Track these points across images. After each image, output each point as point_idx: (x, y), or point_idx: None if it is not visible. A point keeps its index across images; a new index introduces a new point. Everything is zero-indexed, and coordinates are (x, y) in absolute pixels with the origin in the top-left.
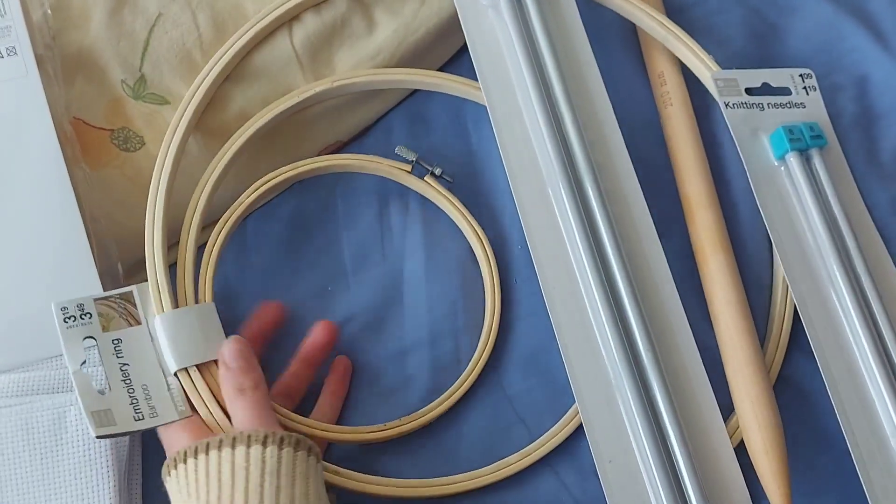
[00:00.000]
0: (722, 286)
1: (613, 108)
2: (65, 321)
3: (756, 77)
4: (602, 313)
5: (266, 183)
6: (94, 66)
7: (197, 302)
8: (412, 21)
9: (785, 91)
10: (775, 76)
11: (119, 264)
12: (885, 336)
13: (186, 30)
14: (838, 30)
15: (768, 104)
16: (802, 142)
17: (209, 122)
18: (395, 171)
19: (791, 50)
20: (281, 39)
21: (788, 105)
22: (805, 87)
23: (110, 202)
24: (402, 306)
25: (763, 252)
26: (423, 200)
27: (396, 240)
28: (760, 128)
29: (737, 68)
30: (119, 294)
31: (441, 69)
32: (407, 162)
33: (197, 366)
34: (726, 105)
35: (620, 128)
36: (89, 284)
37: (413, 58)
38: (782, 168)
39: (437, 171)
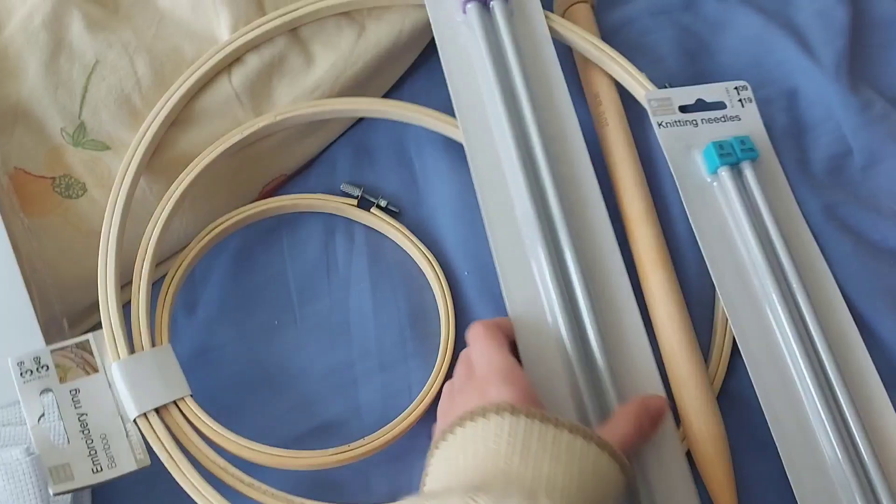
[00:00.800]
0: (662, 301)
1: None
2: (21, 375)
3: (690, 94)
4: (567, 340)
5: (215, 228)
6: (32, 116)
7: (154, 345)
8: (350, 55)
9: (720, 105)
10: (709, 91)
11: (61, 314)
12: (818, 345)
13: (124, 75)
14: (767, 43)
15: (702, 120)
16: (733, 156)
17: (153, 164)
18: (342, 206)
19: (722, 65)
20: (220, 80)
21: (724, 119)
22: (740, 100)
23: (54, 250)
24: (349, 337)
25: (705, 266)
26: (368, 231)
27: (342, 270)
28: (694, 144)
29: (670, 85)
30: (76, 343)
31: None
32: (353, 197)
33: (156, 409)
34: (659, 125)
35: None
36: (31, 337)
37: (353, 90)
38: (715, 183)
39: (383, 203)
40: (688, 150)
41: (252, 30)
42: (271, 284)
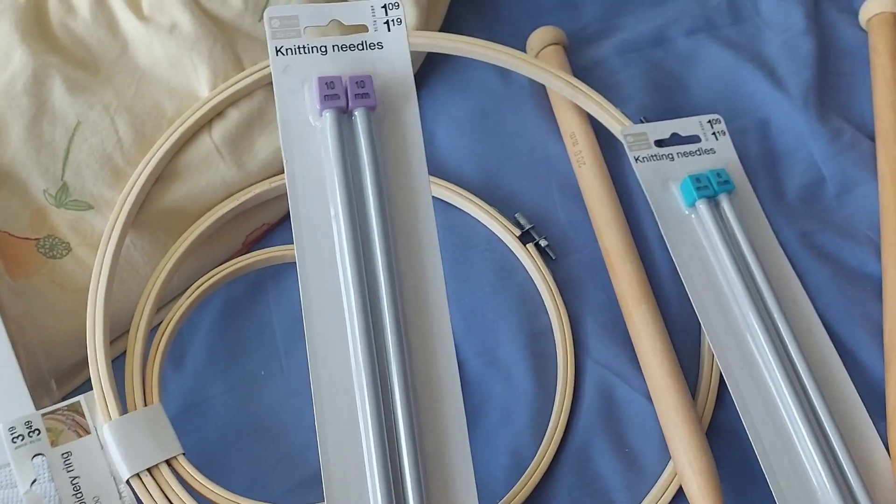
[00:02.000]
0: (647, 336)
1: (534, 168)
2: (13, 441)
3: (664, 129)
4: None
5: (204, 283)
6: (15, 179)
7: (145, 403)
8: None
9: (694, 139)
10: (684, 125)
11: (49, 373)
12: (802, 375)
13: (106, 135)
14: (738, 76)
15: (678, 154)
16: (710, 189)
17: (137, 221)
18: None
19: (695, 99)
20: (201, 135)
21: (699, 152)
22: (714, 133)
23: (39, 310)
24: None
25: (688, 299)
26: None
27: None
28: (671, 178)
29: (645, 119)
30: (67, 406)
31: None
32: None
33: (149, 469)
34: (636, 160)
35: (542, 185)
36: (19, 400)
37: None
38: (693, 216)
39: None
40: (665, 184)
41: (231, 84)
42: (258, 335)
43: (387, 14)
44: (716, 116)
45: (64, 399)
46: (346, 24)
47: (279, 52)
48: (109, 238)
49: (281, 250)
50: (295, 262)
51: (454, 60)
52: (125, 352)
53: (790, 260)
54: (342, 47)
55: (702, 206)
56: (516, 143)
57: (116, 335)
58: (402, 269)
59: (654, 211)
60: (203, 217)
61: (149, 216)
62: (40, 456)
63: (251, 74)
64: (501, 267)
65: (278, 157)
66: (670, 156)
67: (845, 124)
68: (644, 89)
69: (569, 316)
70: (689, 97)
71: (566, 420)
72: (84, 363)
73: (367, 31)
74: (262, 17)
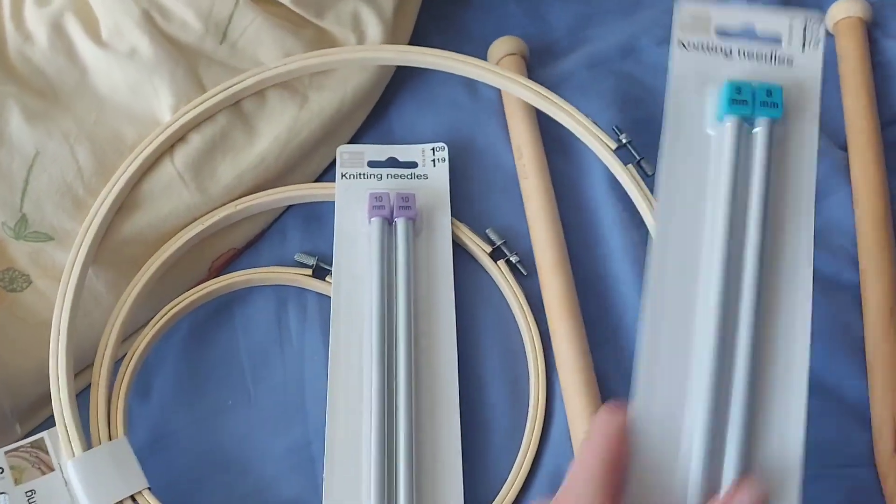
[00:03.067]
0: (566, 353)
1: (504, 184)
2: None
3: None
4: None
5: (169, 311)
6: None
7: (110, 438)
8: (293, 125)
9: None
10: (764, 19)
11: (10, 410)
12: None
13: (66, 165)
14: None
15: (743, 52)
16: (747, 106)
17: (99, 251)
18: (296, 277)
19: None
20: (163, 161)
21: (770, 59)
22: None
23: (0, 345)
24: (304, 413)
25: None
26: (321, 299)
27: (296, 343)
28: (713, 80)
29: (618, 130)
30: (30, 443)
31: (331, 166)
32: (307, 266)
33: None
34: (683, 45)
35: (512, 201)
36: None
37: (299, 160)
38: (714, 137)
39: None
40: (702, 87)
41: (193, 108)
42: (224, 363)
43: (434, 154)
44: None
45: (28, 435)
46: (401, 160)
47: (343, 177)
48: (72, 270)
49: (247, 274)
50: (261, 286)
51: (422, 77)
52: (89, 384)
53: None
54: (394, 175)
55: (729, 126)
56: (486, 158)
57: (80, 368)
58: (420, 351)
59: (665, 119)
60: (167, 243)
61: (111, 246)
62: (3, 495)
63: (212, 97)
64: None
65: (242, 182)
66: (728, 51)
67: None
68: (615, 102)
69: (540, 334)
70: (661, 108)
71: (538, 440)
72: (47, 398)
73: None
74: (223, 40)
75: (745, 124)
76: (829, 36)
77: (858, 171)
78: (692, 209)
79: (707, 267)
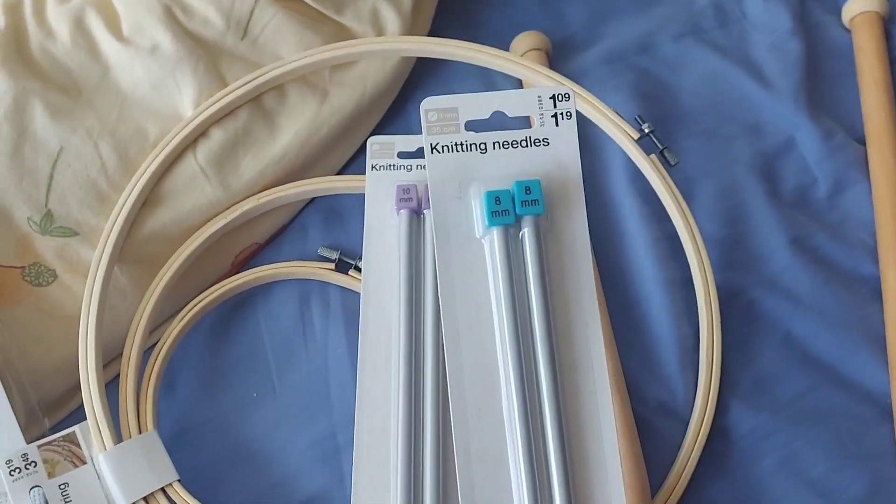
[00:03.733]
0: None
1: None
2: (10, 474)
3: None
4: None
5: (195, 306)
6: None
7: (140, 431)
8: (314, 121)
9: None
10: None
11: (38, 404)
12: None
13: (90, 161)
14: (727, 80)
15: (493, 144)
16: (510, 214)
17: (124, 247)
18: (319, 271)
19: (684, 106)
20: (186, 157)
21: (525, 143)
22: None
23: (27, 339)
24: (329, 405)
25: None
26: (344, 293)
27: (319, 336)
28: (474, 180)
29: (640, 119)
30: (62, 436)
31: (351, 161)
32: (330, 261)
33: (145, 497)
34: (433, 148)
35: None
36: (9, 433)
37: (320, 155)
38: (485, 242)
39: (360, 264)
40: (463, 191)
41: (215, 102)
42: (249, 357)
43: None
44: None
45: (54, 428)
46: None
47: (374, 168)
48: (98, 265)
49: (271, 269)
50: (283, 281)
51: (440, 72)
52: (116, 376)
53: (782, 263)
54: (424, 166)
55: (496, 236)
56: None
57: (107, 361)
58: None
59: (434, 221)
60: (191, 238)
61: (135, 241)
62: (38, 488)
63: (233, 91)
64: None
65: (264, 177)
66: (482, 146)
67: (836, 125)
68: (632, 98)
69: None
70: (679, 103)
71: None
72: (73, 391)
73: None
74: (244, 36)
75: (511, 229)
76: (846, 31)
77: (877, 165)
78: (476, 313)
79: (505, 369)
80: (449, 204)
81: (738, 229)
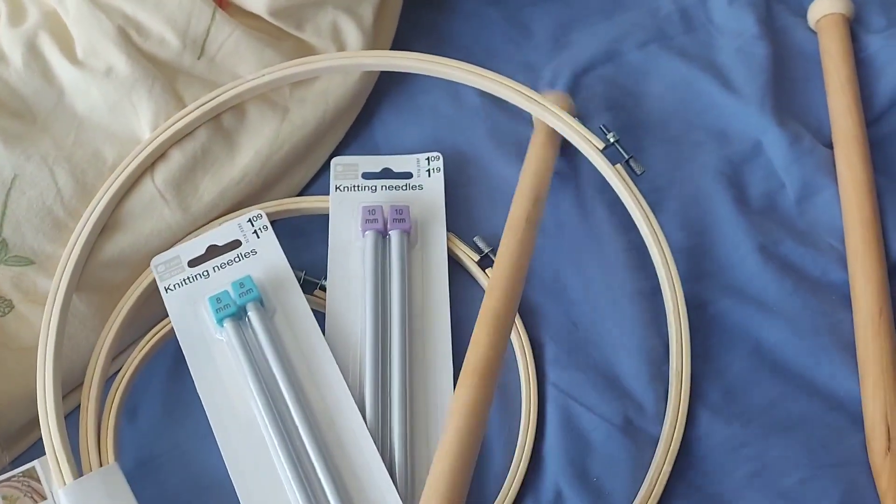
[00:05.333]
0: None
1: (490, 192)
2: None
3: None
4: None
5: (156, 334)
6: None
7: (101, 464)
8: (275, 139)
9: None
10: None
11: None
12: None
13: (45, 187)
14: (693, 87)
15: (215, 267)
16: (231, 306)
17: (82, 274)
18: None
19: (651, 113)
20: (143, 181)
21: (238, 258)
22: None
23: None
24: None
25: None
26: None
27: None
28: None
29: (605, 129)
30: (22, 472)
31: (314, 178)
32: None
33: None
34: (166, 290)
35: (498, 209)
36: None
37: (281, 174)
38: (225, 339)
39: (325, 284)
40: (196, 308)
41: (173, 123)
42: None
43: (429, 164)
44: (257, 213)
45: (15, 461)
46: (395, 170)
47: (337, 189)
48: (56, 294)
49: None
50: None
51: (403, 88)
52: (76, 407)
53: (751, 270)
54: (389, 187)
55: (228, 327)
56: (470, 167)
57: (66, 391)
58: (414, 364)
59: (181, 345)
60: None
61: (94, 268)
62: None
63: (191, 112)
64: None
65: (224, 199)
66: (205, 273)
67: (803, 129)
68: (599, 107)
69: (530, 341)
70: (645, 111)
71: (531, 450)
72: (33, 423)
73: (411, 177)
74: (201, 55)
75: (238, 319)
76: (813, 33)
77: (845, 170)
78: (235, 406)
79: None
80: (188, 322)
81: (706, 238)
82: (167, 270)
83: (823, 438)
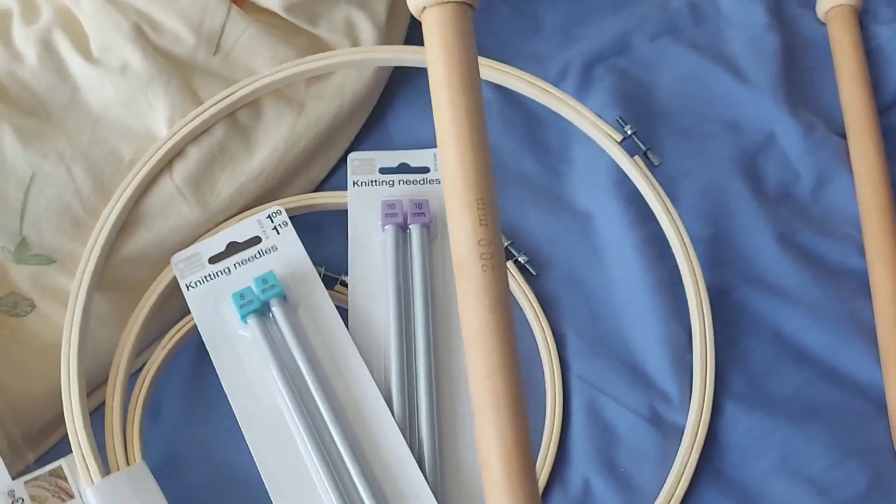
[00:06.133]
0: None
1: (506, 184)
2: None
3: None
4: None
5: (178, 331)
6: None
7: (128, 463)
8: (291, 135)
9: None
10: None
11: (20, 437)
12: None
13: (63, 185)
14: (704, 78)
15: (236, 264)
16: (255, 302)
17: (102, 272)
18: None
19: (663, 105)
20: (161, 178)
21: (259, 254)
22: (275, 227)
23: (6, 371)
24: None
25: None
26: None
27: None
28: (224, 297)
29: (622, 121)
30: (49, 471)
31: (331, 173)
32: None
33: None
34: (187, 287)
35: (516, 202)
36: None
37: (298, 169)
38: (249, 336)
39: (346, 279)
40: (218, 306)
41: (190, 121)
42: None
43: None
44: (276, 209)
45: (40, 459)
46: (412, 165)
47: (355, 184)
48: (78, 292)
49: None
50: None
51: (416, 84)
52: (100, 404)
53: (770, 260)
54: (406, 181)
55: (252, 323)
56: None
57: (89, 390)
58: (440, 357)
59: (205, 342)
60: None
61: (114, 266)
62: None
63: (208, 109)
64: None
65: (242, 195)
66: (226, 270)
67: (816, 119)
68: (612, 99)
69: (553, 333)
70: (658, 102)
71: (557, 442)
72: (56, 421)
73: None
74: (216, 51)
75: (262, 315)
76: (821, 24)
77: (859, 158)
78: (262, 402)
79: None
80: (207, 314)
81: (723, 227)
82: (188, 267)
83: (848, 425)
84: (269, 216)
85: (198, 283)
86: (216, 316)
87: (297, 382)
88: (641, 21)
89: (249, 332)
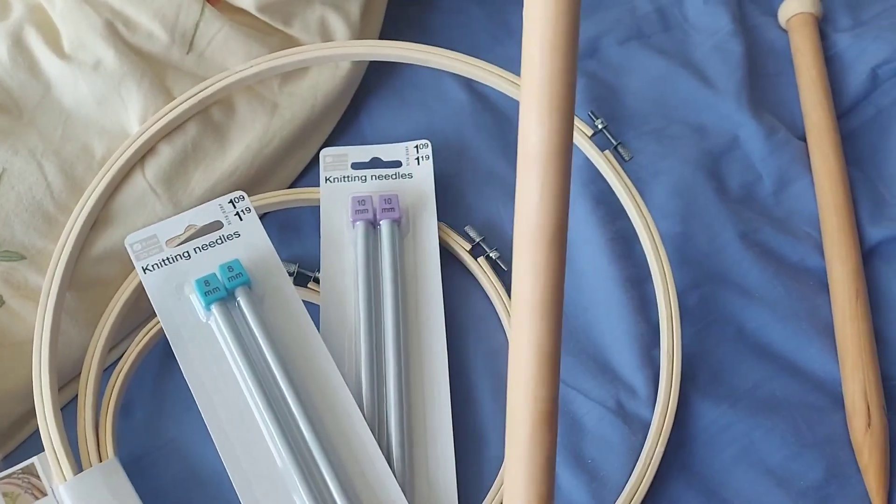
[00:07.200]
0: None
1: (478, 183)
2: None
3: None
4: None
5: (151, 329)
6: None
7: (100, 459)
8: (265, 133)
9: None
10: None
11: None
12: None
13: (34, 182)
14: (671, 82)
15: (196, 249)
16: (221, 290)
17: (74, 269)
18: None
19: (630, 108)
20: (133, 175)
21: (220, 240)
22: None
23: None
24: None
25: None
26: (304, 306)
27: None
28: (186, 282)
29: (593, 115)
30: (21, 469)
31: (305, 171)
32: (289, 274)
33: None
34: (143, 270)
35: (488, 200)
36: None
37: (272, 168)
38: (212, 323)
39: (318, 276)
40: (180, 291)
41: (162, 117)
42: None
43: (418, 152)
44: (239, 194)
45: (7, 457)
46: (384, 159)
47: (327, 180)
48: (50, 289)
49: None
50: None
51: (390, 80)
52: (70, 400)
53: (733, 258)
54: (379, 176)
55: (216, 311)
56: (459, 157)
57: (60, 384)
58: (410, 353)
59: (164, 329)
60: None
61: (85, 263)
62: None
63: (180, 104)
64: None
65: (215, 193)
66: (186, 254)
67: (777, 123)
68: (581, 101)
69: None
70: (625, 106)
71: None
72: (25, 418)
73: (401, 166)
74: (190, 49)
75: (226, 304)
76: (783, 31)
77: (818, 160)
78: (226, 393)
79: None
80: (169, 302)
81: (688, 226)
82: (144, 249)
83: (806, 417)
84: (230, 201)
85: (155, 267)
86: (177, 302)
87: (262, 374)
88: (611, 26)
89: (213, 321)
